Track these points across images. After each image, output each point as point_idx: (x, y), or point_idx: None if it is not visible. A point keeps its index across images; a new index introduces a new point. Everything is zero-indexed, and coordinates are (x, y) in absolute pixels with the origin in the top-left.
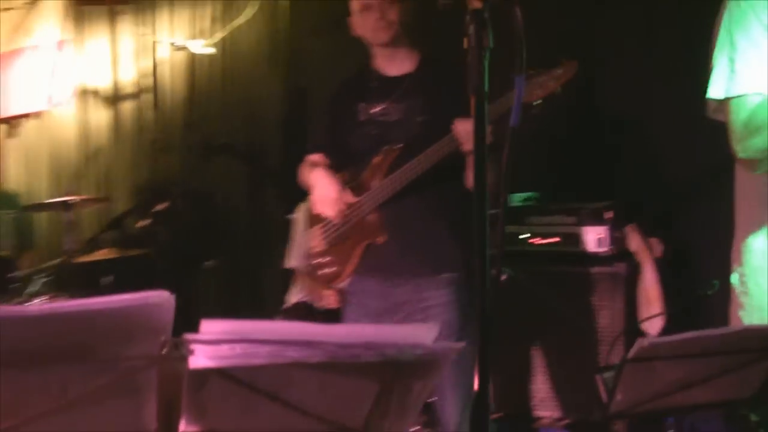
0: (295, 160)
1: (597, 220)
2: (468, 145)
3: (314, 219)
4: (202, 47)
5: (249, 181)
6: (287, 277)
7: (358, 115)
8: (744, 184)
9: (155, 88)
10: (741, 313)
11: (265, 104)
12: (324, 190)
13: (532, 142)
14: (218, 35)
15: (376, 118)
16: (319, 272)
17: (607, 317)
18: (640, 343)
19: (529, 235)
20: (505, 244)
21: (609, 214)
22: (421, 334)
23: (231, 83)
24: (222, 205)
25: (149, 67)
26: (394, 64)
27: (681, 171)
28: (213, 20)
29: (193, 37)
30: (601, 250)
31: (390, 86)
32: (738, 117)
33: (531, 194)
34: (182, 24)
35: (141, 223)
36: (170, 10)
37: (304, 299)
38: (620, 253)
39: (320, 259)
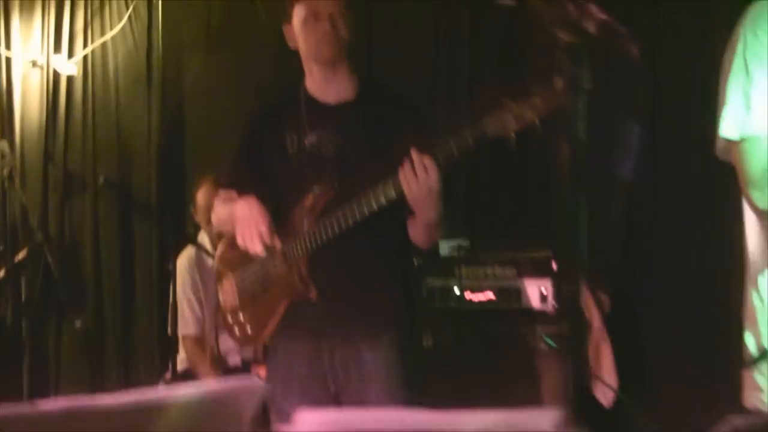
0: (173, 198)
1: (540, 272)
2: (414, 195)
3: (225, 268)
4: (65, 65)
5: (120, 224)
6: (164, 337)
7: (287, 147)
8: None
9: (6, 113)
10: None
11: (138, 131)
12: (252, 217)
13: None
14: (82, 51)
15: (308, 150)
16: (231, 333)
17: (552, 385)
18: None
19: (460, 289)
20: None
21: (553, 265)
22: (542, 420)
23: (97, 107)
24: (88, 253)
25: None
26: (331, 87)
27: (630, 214)
28: (76, 34)
29: (54, 52)
30: (546, 307)
31: (326, 114)
32: (755, 161)
33: (461, 241)
34: (40, 37)
35: None
36: (26, 20)
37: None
38: (565, 310)
39: (232, 317)
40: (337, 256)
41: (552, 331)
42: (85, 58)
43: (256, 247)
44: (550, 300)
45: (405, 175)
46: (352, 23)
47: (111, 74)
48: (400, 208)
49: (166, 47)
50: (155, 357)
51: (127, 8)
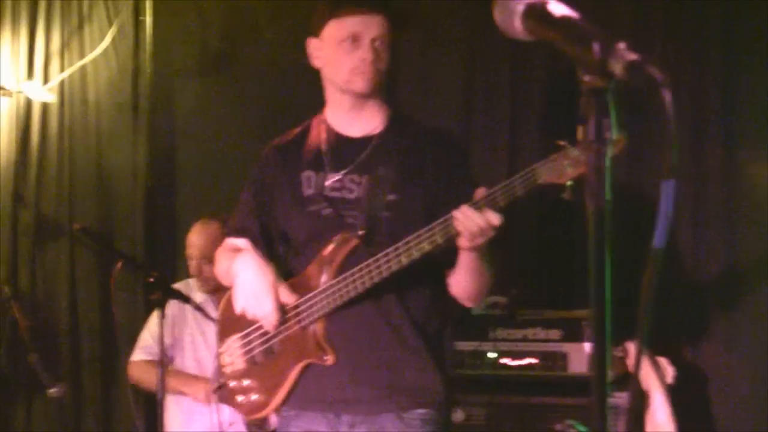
0: (160, 246)
1: (588, 335)
2: (470, 240)
3: (228, 327)
4: (38, 91)
5: (99, 276)
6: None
7: (303, 189)
8: None
9: None
10: None
11: (121, 168)
12: (255, 281)
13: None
14: (59, 77)
15: (328, 193)
16: (234, 401)
17: None
18: None
19: (497, 354)
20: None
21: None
22: None
23: (75, 141)
24: (64, 310)
25: None
26: (358, 120)
27: (694, 273)
28: (51, 56)
29: (26, 78)
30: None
31: (350, 151)
32: None
33: (497, 298)
34: (10, 60)
35: None
36: None
37: None
38: (620, 378)
39: (236, 382)
40: (359, 316)
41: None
42: (61, 83)
43: (258, 319)
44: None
45: (465, 218)
46: (391, 50)
47: (92, 102)
48: (435, 261)
49: (156, 71)
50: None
51: (110, 26)
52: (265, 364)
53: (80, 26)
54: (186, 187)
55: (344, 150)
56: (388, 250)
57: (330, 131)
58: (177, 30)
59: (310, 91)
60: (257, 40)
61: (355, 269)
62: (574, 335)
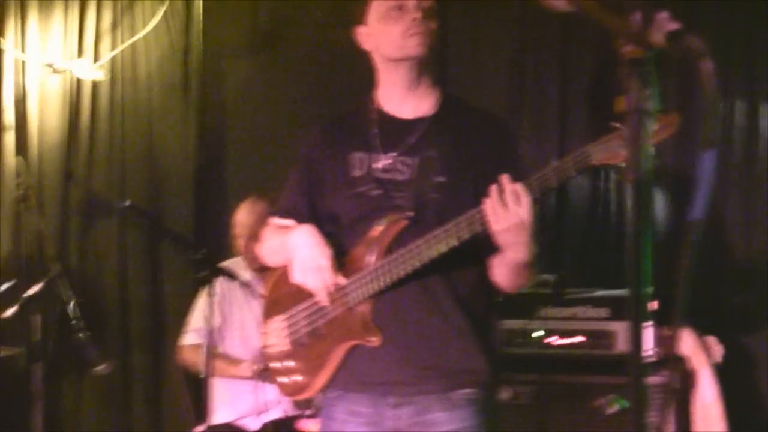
0: (210, 225)
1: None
2: (502, 228)
3: (274, 307)
4: (89, 70)
5: (149, 255)
6: (196, 386)
7: (352, 170)
8: None
9: (21, 125)
10: None
11: (171, 146)
12: (316, 255)
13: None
14: (109, 54)
15: (378, 174)
16: (278, 382)
17: None
18: None
19: (543, 332)
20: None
21: (653, 305)
22: None
23: (125, 119)
24: (113, 287)
25: (13, 96)
26: (410, 101)
27: (737, 252)
28: (101, 34)
29: (75, 56)
30: (646, 353)
31: (401, 132)
32: None
33: (545, 276)
34: (60, 38)
35: (5, 314)
36: (45, 19)
37: (236, 420)
38: (668, 358)
39: (280, 363)
40: (405, 298)
41: (651, 383)
42: (112, 61)
43: (318, 288)
44: (651, 345)
45: (493, 205)
46: (437, 16)
47: (142, 80)
48: (481, 244)
49: (206, 50)
50: (190, 407)
51: (161, 4)
52: (309, 345)
53: (131, 4)
54: (235, 165)
55: (395, 131)
56: (436, 231)
57: (381, 113)
58: (227, 8)
59: (358, 71)
60: (306, 19)
61: (403, 250)
62: (621, 314)
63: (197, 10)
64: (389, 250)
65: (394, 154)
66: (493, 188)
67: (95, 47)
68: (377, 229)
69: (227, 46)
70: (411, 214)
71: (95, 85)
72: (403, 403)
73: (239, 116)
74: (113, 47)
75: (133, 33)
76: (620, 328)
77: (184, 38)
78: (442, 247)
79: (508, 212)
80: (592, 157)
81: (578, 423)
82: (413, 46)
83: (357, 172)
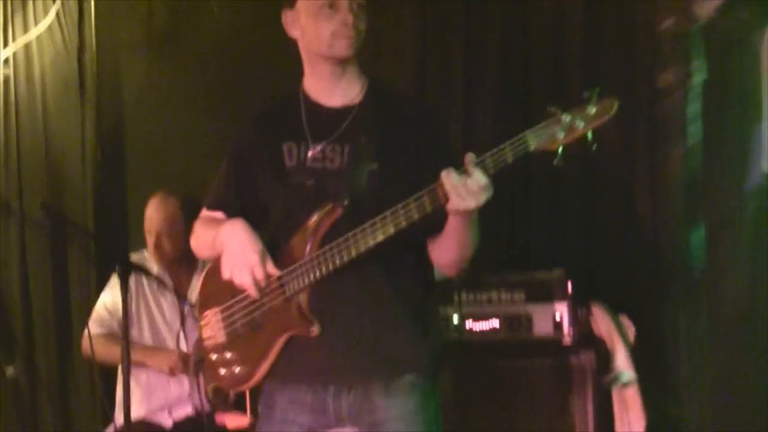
0: (111, 224)
1: (553, 296)
2: (460, 203)
3: (208, 300)
4: None
5: (49, 255)
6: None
7: (284, 160)
8: None
9: None
10: None
11: (68, 146)
12: (246, 249)
13: None
14: (2, 53)
15: (310, 164)
16: (215, 375)
17: (572, 425)
18: None
19: (459, 318)
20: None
21: (568, 287)
22: None
23: (22, 117)
24: (15, 289)
25: None
26: (338, 88)
27: (653, 231)
28: None
29: None
30: (562, 335)
31: (330, 121)
32: None
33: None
34: None
35: None
36: None
37: (150, 415)
38: (583, 339)
39: (217, 355)
40: (342, 286)
41: (568, 364)
42: (5, 61)
43: (247, 284)
44: (567, 327)
45: (455, 186)
46: (367, 13)
47: (37, 79)
48: (422, 227)
49: (101, 47)
50: (97, 409)
51: (54, 2)
52: (247, 337)
53: (23, 4)
54: (135, 162)
55: (325, 120)
56: (374, 220)
57: (309, 102)
58: (121, 6)
59: (258, 66)
60: (204, 13)
61: (339, 240)
62: (537, 296)
63: (89, 7)
64: (325, 240)
65: (325, 142)
66: (450, 171)
67: None
68: (312, 219)
69: (123, 43)
70: (346, 203)
71: None
72: (343, 390)
73: (138, 113)
74: (5, 47)
75: (25, 32)
76: (535, 311)
77: (77, 36)
78: (379, 236)
79: (471, 193)
80: (530, 143)
81: (496, 409)
82: (342, 48)
83: (288, 162)
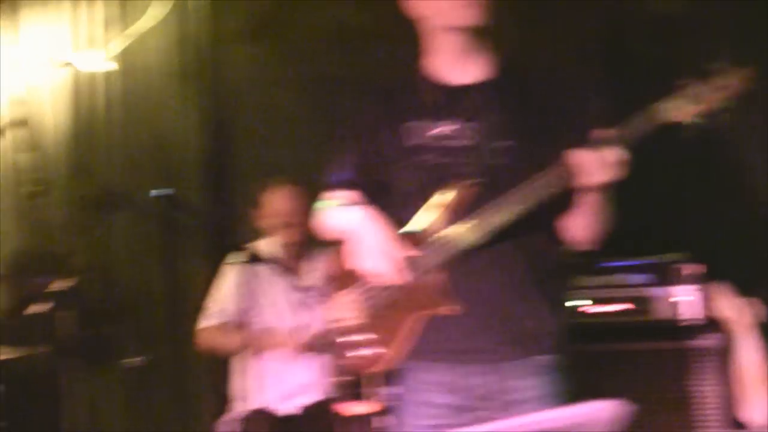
0: (221, 210)
1: (676, 279)
2: (590, 178)
3: (340, 283)
4: (97, 62)
5: (163, 243)
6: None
7: (408, 138)
8: None
9: (26, 122)
10: None
11: (179, 136)
12: (374, 237)
13: None
14: (115, 46)
15: (436, 142)
16: (351, 355)
17: (695, 409)
18: None
19: (581, 301)
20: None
21: (699, 270)
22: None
23: (133, 109)
24: (130, 279)
25: (21, 93)
26: (464, 67)
27: None
28: (107, 25)
29: (81, 48)
30: (685, 318)
31: (457, 98)
32: None
33: None
34: (64, 31)
35: (34, 309)
36: (43, 10)
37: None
38: (707, 322)
39: (352, 337)
40: (478, 264)
41: (692, 347)
42: (116, 53)
43: (385, 270)
44: (697, 310)
45: (587, 161)
46: None
47: (146, 71)
48: (549, 207)
49: (212, 35)
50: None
51: None
52: (383, 317)
53: None
54: (243, 152)
55: (451, 98)
56: (507, 196)
57: (434, 80)
58: None
59: (364, 54)
60: (310, 2)
61: (474, 216)
62: (665, 279)
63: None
64: (459, 218)
65: (453, 120)
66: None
67: (95, 40)
68: (447, 197)
69: (233, 31)
70: (476, 181)
71: (99, 78)
72: (478, 371)
73: (247, 104)
74: (117, 39)
75: (132, 25)
76: (663, 294)
77: (188, 26)
78: (513, 213)
79: (606, 166)
80: (661, 115)
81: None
82: (464, 17)
83: (413, 140)
